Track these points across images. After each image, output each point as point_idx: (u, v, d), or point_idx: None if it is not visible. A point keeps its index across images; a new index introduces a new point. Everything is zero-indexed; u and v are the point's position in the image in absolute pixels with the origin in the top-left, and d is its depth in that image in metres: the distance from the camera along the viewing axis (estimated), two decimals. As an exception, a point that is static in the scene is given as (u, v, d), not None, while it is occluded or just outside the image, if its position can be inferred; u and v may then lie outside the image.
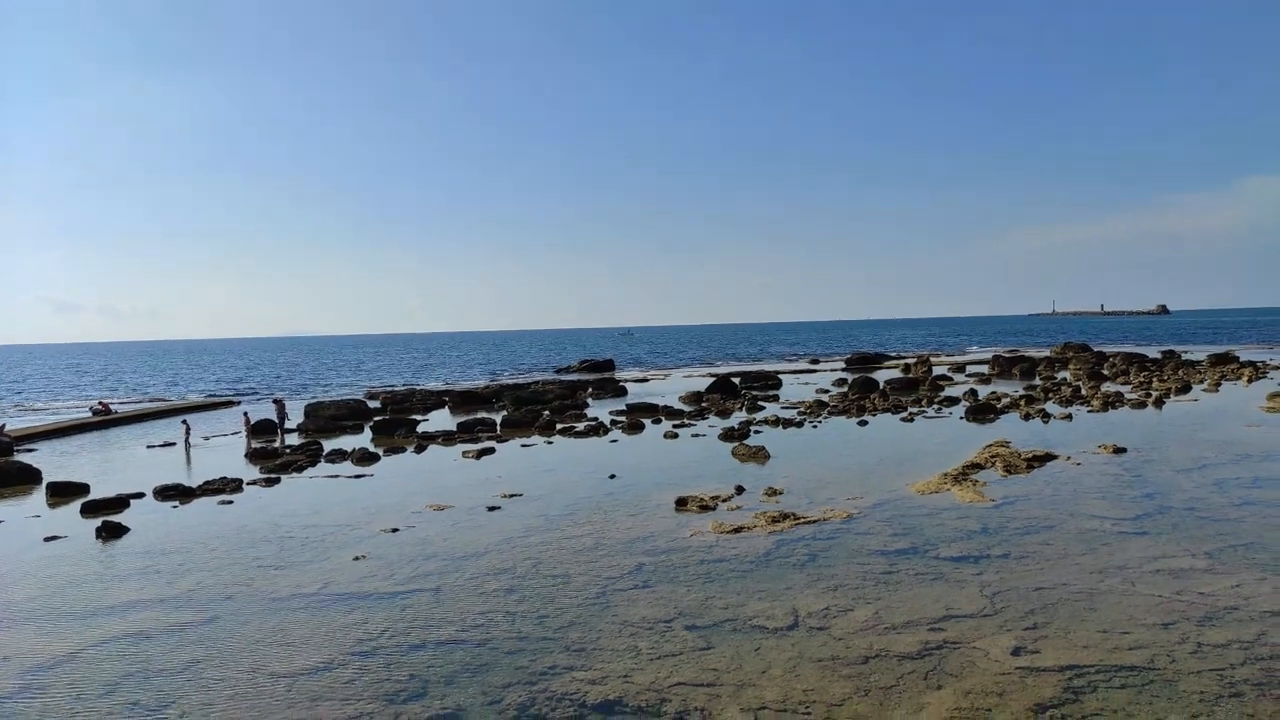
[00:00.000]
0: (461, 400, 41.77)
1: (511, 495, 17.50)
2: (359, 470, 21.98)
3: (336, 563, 12.91)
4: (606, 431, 27.97)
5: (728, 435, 25.24)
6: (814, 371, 59.73)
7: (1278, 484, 16.09)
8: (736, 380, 44.71)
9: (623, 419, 30.90)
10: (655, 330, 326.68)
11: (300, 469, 22.27)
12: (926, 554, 12.14)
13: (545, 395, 40.03)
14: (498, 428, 29.83)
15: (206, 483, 19.81)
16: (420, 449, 25.74)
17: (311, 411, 34.90)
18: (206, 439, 30.67)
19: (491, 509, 16.31)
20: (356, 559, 13.04)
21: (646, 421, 30.17)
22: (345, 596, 11.22)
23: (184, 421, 31.24)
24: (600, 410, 35.35)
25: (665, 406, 34.55)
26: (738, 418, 30.53)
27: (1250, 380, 38.31)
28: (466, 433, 28.68)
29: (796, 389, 43.78)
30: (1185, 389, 35.35)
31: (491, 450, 24.55)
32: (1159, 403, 30.59)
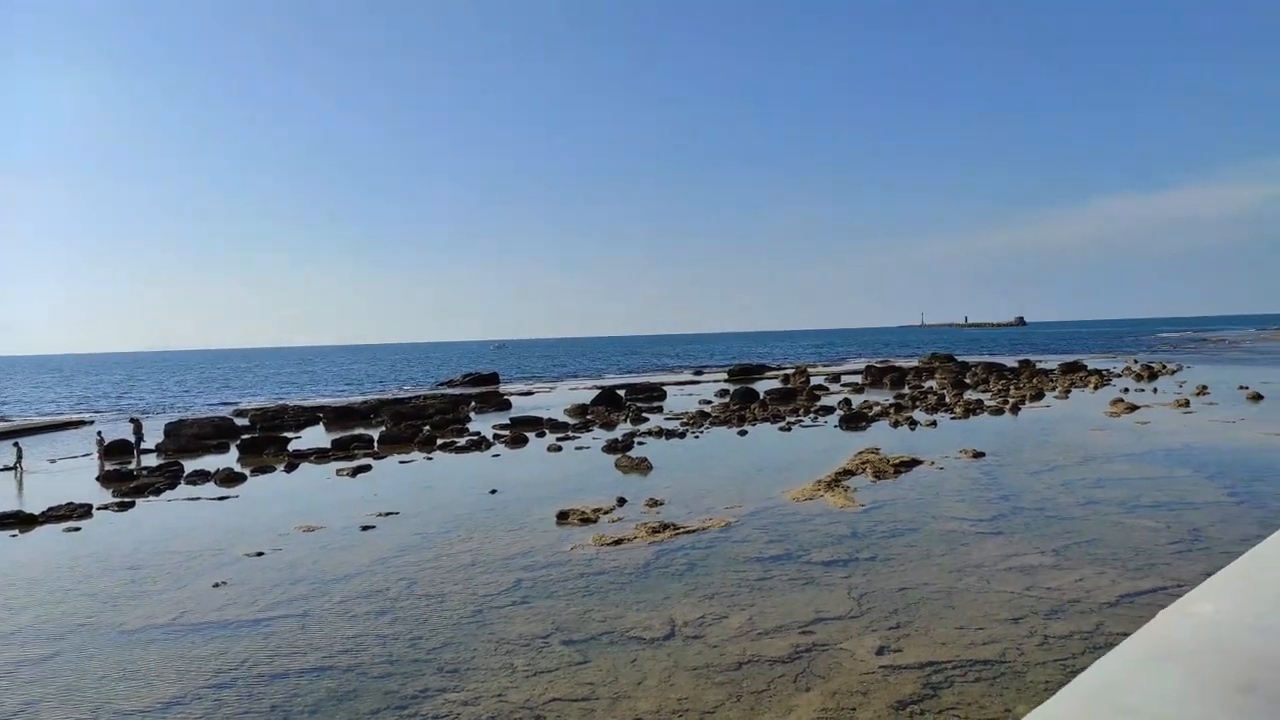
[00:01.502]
0: (337, 416, 40.31)
1: (387, 514, 16.96)
2: (223, 492, 20.83)
3: (194, 590, 12.17)
4: (489, 446, 27.55)
5: (611, 447, 25.29)
6: (698, 383, 60.68)
7: (1117, 484, 17.35)
8: (621, 392, 44.92)
9: (506, 433, 30.50)
10: (541, 343, 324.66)
11: (158, 491, 20.93)
12: (799, 559, 12.48)
13: (426, 410, 39.10)
14: (375, 444, 28.90)
15: (51, 509, 18.33)
16: (291, 468, 24.65)
17: (172, 430, 32.87)
18: (53, 462, 28.44)
19: (365, 528, 15.76)
20: (216, 586, 12.33)
21: (530, 435, 29.88)
22: (203, 626, 10.58)
23: (15, 444, 28.53)
24: (483, 424, 34.79)
25: (549, 420, 34.34)
26: (622, 430, 30.66)
27: (1096, 387, 41.29)
28: (341, 450, 27.66)
29: (680, 400, 44.36)
30: (1039, 396, 37.78)
31: (367, 468, 23.76)
32: (1015, 409, 32.56)
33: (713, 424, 31.51)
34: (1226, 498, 15.59)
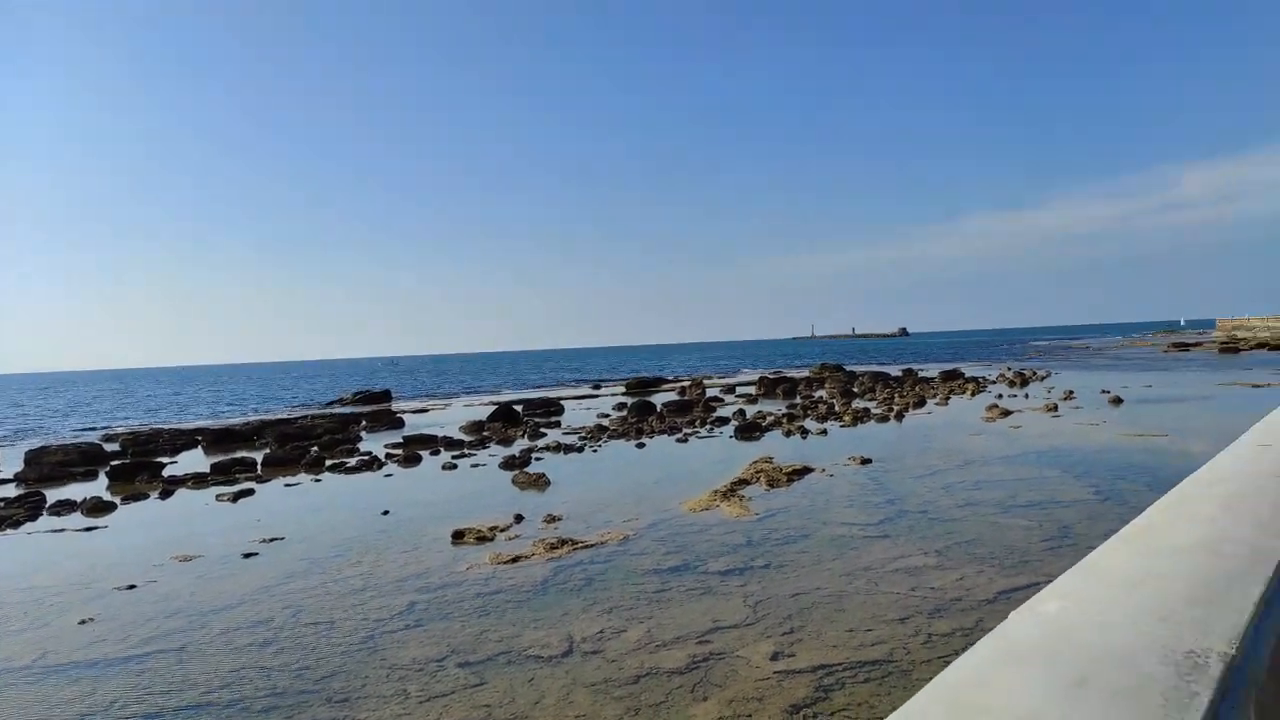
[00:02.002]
0: (217, 439, 38.36)
1: (271, 539, 16.25)
2: (90, 522, 19.51)
3: (58, 629, 11.34)
4: (381, 466, 26.77)
5: (508, 464, 24.99)
6: (596, 396, 60.71)
7: (994, 486, 18.25)
8: (519, 408, 44.47)
9: (399, 452, 29.71)
10: (436, 359, 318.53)
11: (16, 524, 19.42)
12: (697, 570, 12.61)
13: (314, 430, 37.68)
14: (258, 467, 27.65)
15: (-112, 548, 16.77)
16: (166, 494, 23.31)
17: (33, 458, 30.58)
18: (-109, 496, 25.99)
19: (248, 555, 15.05)
20: (83, 622, 11.53)
21: (424, 453, 29.20)
22: (67, 666, 9.86)
23: None
24: (375, 444, 33.79)
25: (445, 437, 33.65)
26: (519, 445, 30.33)
27: (973, 394, 43.41)
28: (222, 474, 26.35)
29: (579, 414, 44.25)
30: (921, 403, 39.44)
31: (250, 492, 22.70)
32: (900, 416, 33.89)
33: (611, 437, 31.55)
34: (1092, 496, 16.62)
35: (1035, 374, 56.21)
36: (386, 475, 24.98)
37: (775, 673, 8.49)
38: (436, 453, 29.53)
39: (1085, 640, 1.45)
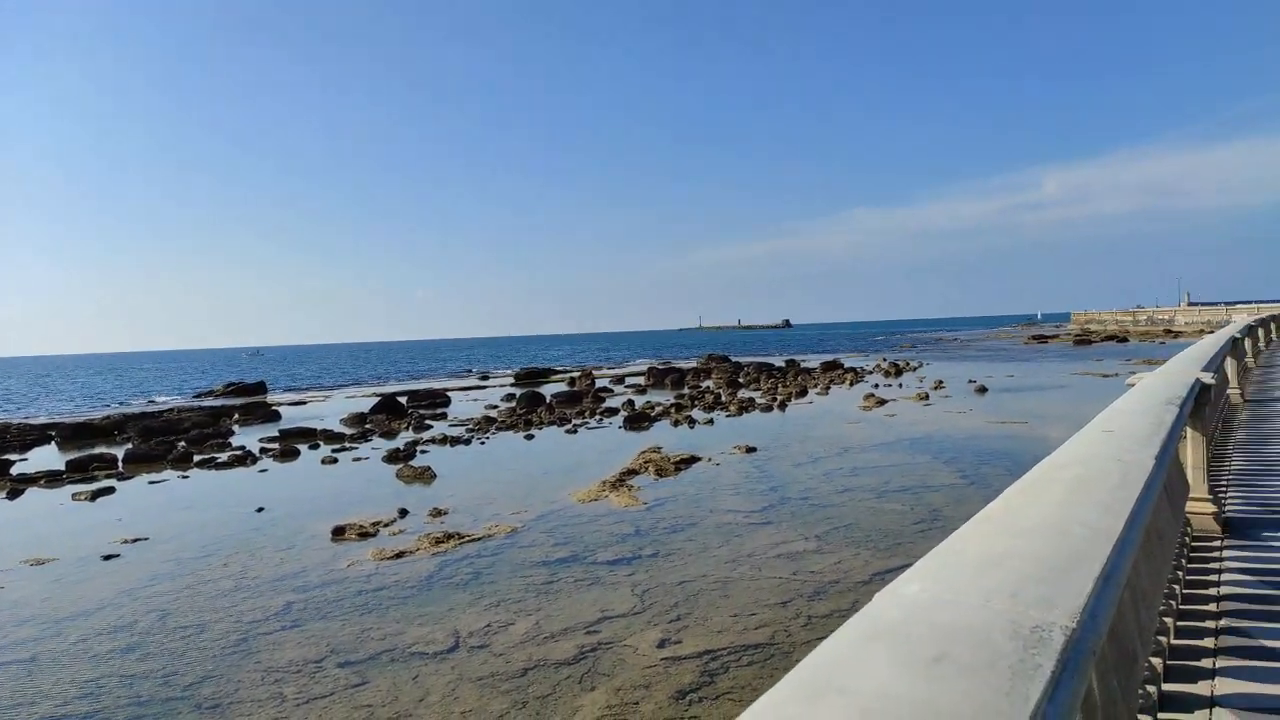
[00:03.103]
0: (73, 434, 35.85)
1: (135, 540, 15.32)
2: (-76, 526, 17.90)
3: (-116, 645, 10.37)
4: (255, 461, 25.63)
5: (392, 457, 24.38)
6: (484, 388, 59.89)
7: (870, 472, 19.05)
8: (403, 399, 43.41)
9: (274, 446, 28.51)
10: (316, 349, 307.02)
11: None
12: (585, 560, 12.65)
13: (181, 424, 35.75)
14: (120, 464, 26.02)
15: None
16: (15, 494, 21.63)
17: None
18: None
19: (109, 557, 14.14)
20: (-85, 637, 10.58)
21: (303, 447, 28.12)
22: (-105, 686, 9.03)
23: None
24: (248, 438, 32.30)
25: (324, 430, 32.51)
26: (404, 438, 29.62)
27: (852, 384, 45.12)
28: (79, 471, 24.66)
29: (466, 406, 43.56)
30: (803, 393, 40.72)
31: (111, 490, 21.33)
32: (783, 406, 34.90)
33: (499, 429, 31.22)
34: (960, 480, 17.58)
35: (909, 364, 58.89)
36: (261, 471, 23.95)
37: (662, 659, 8.62)
38: (316, 446, 28.50)
39: (942, 619, 1.54)
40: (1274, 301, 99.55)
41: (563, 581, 11.62)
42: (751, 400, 36.98)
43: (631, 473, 19.72)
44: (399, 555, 13.33)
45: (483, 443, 27.71)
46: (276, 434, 32.02)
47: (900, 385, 42.66)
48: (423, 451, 25.64)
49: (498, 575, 12.08)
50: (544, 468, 21.86)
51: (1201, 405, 6.62)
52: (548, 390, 47.30)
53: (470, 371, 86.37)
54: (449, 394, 49.37)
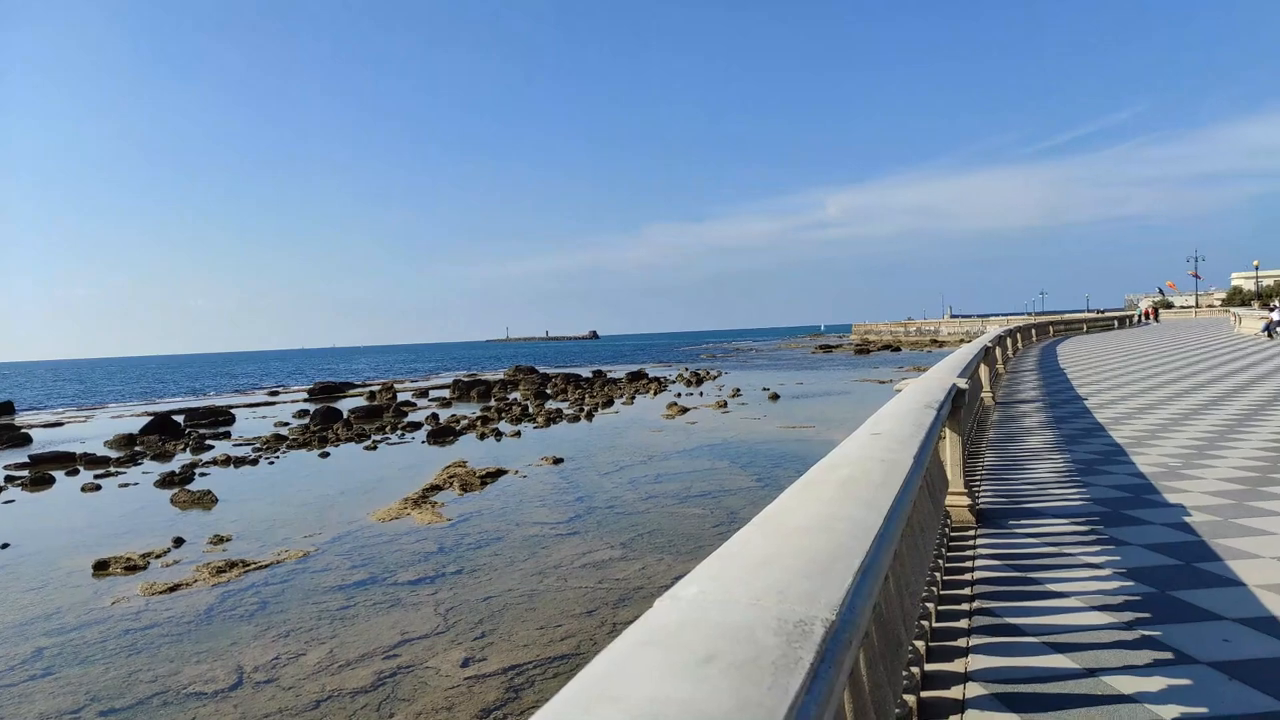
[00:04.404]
0: None
1: None
2: None
3: None
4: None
5: (167, 481, 22.29)
6: (273, 404, 56.16)
7: (673, 478, 19.63)
8: (180, 418, 39.85)
9: (23, 474, 25.26)
10: (71, 364, 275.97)
11: None
12: (385, 581, 12.14)
13: (-97, 452, 30.87)
14: None
15: None
16: None
17: None
18: None
19: None
20: None
21: (59, 474, 25.11)
22: None
23: None
24: (-9, 465, 28.42)
25: (85, 454, 29.20)
26: (180, 460, 27.18)
27: (656, 393, 46.37)
28: None
29: (253, 424, 40.66)
30: (610, 403, 41.35)
31: None
32: (590, 416, 35.27)
33: (290, 447, 29.37)
34: (755, 483, 18.48)
35: (709, 374, 61.35)
36: (7, 503, 21.13)
37: (466, 679, 8.42)
38: (75, 472, 25.54)
39: (716, 620, 1.60)
40: (1022, 314, 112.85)
41: (360, 605, 11.09)
42: (559, 411, 37.08)
43: (435, 489, 19.18)
44: (173, 588, 12.20)
45: (272, 463, 25.94)
46: (27, 459, 28.38)
47: (701, 394, 44.30)
48: (202, 474, 23.65)
49: (287, 603, 11.33)
50: (340, 487, 20.79)
51: (958, 408, 7.35)
52: (346, 405, 45.14)
53: (259, 387, 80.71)
54: (233, 411, 45.90)
